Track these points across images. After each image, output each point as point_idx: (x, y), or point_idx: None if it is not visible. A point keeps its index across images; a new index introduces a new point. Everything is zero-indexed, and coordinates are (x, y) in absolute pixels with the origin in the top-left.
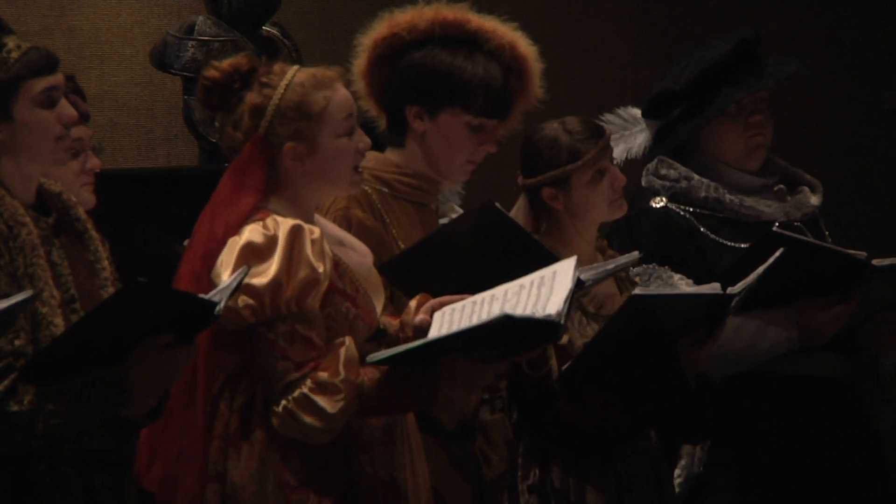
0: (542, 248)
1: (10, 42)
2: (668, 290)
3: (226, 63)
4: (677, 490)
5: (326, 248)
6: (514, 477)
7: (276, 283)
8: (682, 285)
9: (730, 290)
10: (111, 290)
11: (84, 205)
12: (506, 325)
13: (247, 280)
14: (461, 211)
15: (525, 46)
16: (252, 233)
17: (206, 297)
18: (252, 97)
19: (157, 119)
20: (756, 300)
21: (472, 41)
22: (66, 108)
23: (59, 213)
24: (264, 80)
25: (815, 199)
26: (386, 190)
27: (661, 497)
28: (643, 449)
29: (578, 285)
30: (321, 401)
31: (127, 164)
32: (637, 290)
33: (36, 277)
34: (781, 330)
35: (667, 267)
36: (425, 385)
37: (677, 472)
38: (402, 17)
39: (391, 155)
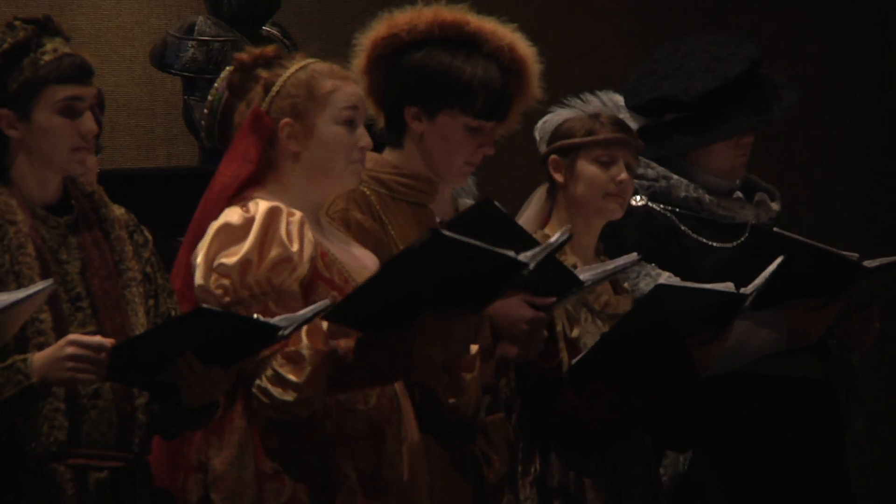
0: (539, 245)
1: (49, 45)
2: (690, 284)
3: (257, 49)
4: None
5: (308, 233)
6: (515, 472)
7: (245, 261)
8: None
9: (742, 290)
10: (135, 290)
11: None
12: (443, 247)
13: (219, 260)
14: None
15: (524, 48)
16: (230, 214)
17: (273, 321)
18: (265, 73)
19: (157, 119)
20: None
21: (471, 42)
22: (88, 122)
23: (86, 213)
24: (281, 61)
25: (775, 206)
26: (384, 191)
27: (655, 500)
28: (639, 452)
29: (578, 285)
30: (288, 372)
31: (127, 164)
32: (661, 281)
33: (22, 275)
34: (771, 331)
35: (653, 264)
36: (400, 346)
37: (662, 471)
38: (402, 18)
39: (389, 156)
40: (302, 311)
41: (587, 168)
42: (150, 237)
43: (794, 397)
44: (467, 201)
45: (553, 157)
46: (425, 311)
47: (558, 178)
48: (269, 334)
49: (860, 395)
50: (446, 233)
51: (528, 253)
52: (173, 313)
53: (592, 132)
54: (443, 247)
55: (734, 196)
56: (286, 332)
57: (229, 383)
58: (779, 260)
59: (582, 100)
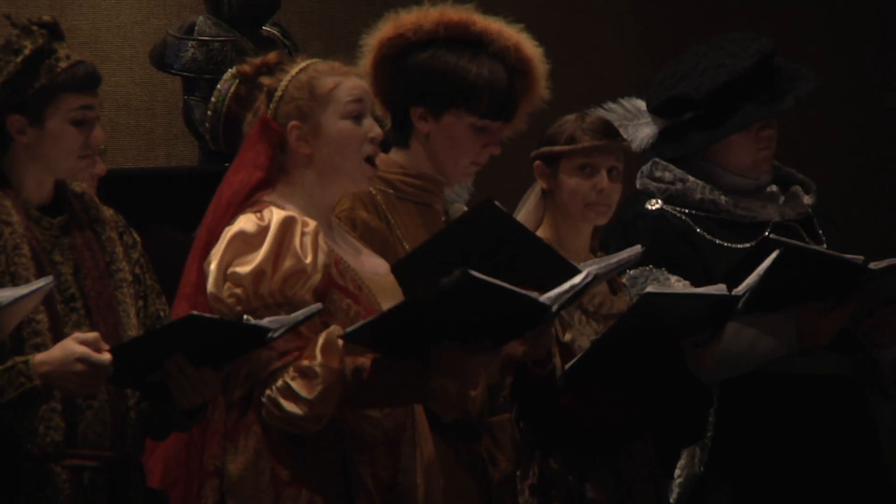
0: (544, 244)
1: (61, 51)
2: (679, 290)
3: (258, 58)
4: (677, 490)
5: (322, 242)
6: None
7: (259, 272)
8: (679, 287)
9: (734, 291)
10: (126, 290)
11: None
12: (472, 288)
13: (232, 268)
14: None
15: (530, 48)
16: (245, 222)
17: (261, 323)
18: (268, 80)
19: (157, 119)
20: (756, 304)
21: (477, 42)
22: (97, 131)
23: (78, 214)
24: (282, 66)
25: (808, 199)
26: (390, 191)
27: (658, 500)
28: (642, 453)
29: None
30: (299, 387)
31: (127, 164)
32: (650, 289)
33: (17, 276)
34: (780, 334)
35: (663, 269)
36: (415, 374)
37: (677, 472)
38: (408, 18)
39: (395, 156)
40: (293, 315)
41: (568, 177)
42: (138, 238)
43: (820, 395)
44: (462, 206)
45: (537, 163)
46: (444, 342)
47: (543, 184)
48: (259, 337)
49: (887, 390)
50: (476, 274)
51: (552, 295)
52: (162, 314)
53: (573, 139)
54: (472, 287)
55: (767, 190)
56: (275, 334)
57: (220, 384)
58: (772, 256)
59: (605, 108)
